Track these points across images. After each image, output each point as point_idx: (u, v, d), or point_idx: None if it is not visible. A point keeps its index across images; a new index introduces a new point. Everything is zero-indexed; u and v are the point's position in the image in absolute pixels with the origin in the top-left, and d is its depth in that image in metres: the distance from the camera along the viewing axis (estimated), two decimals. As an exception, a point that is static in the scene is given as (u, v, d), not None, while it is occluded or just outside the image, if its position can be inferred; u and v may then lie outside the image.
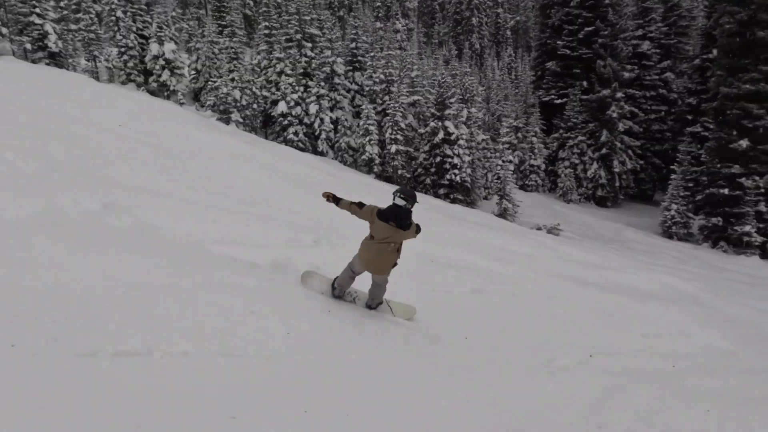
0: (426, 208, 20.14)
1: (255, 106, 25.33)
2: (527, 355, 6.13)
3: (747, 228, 28.88)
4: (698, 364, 7.90)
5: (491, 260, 11.92)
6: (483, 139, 27.50)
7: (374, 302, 5.69)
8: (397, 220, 4.93)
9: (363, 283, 6.12)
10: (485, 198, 30.50)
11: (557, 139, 40.26)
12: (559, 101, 41.16)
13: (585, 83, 39.65)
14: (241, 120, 24.63)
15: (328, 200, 5.22)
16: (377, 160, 25.15)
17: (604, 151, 38.52)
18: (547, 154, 40.64)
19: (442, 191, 26.34)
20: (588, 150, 39.32)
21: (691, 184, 32.62)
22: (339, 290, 5.66)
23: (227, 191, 11.19)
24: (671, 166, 33.92)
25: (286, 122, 25.44)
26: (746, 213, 29.10)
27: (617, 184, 38.95)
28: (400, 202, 4.97)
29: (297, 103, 25.77)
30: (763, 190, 29.16)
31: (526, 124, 39.72)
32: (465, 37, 71.12)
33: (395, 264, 5.33)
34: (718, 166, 30.57)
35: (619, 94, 37.96)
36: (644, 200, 43.15)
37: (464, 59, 54.78)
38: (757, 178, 29.21)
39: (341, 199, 5.19)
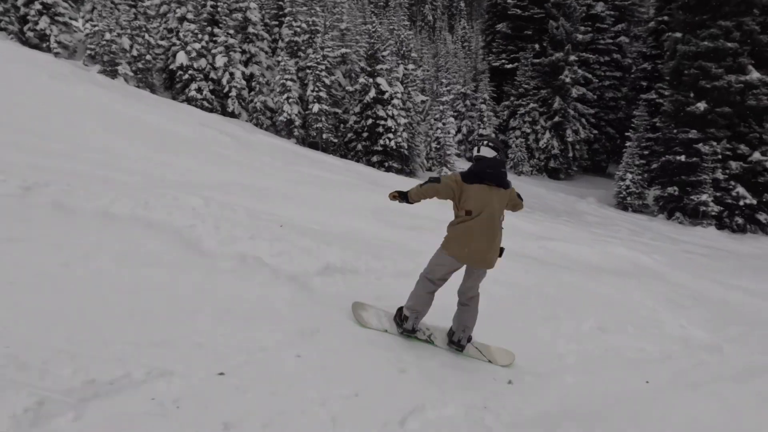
0: (342, 172, 16.90)
1: (149, 57, 21.14)
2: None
3: (704, 197, 26.99)
4: (681, 373, 5.03)
5: (404, 230, 8.88)
6: (422, 101, 24.33)
7: (465, 334, 3.88)
8: (495, 177, 3.42)
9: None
10: (429, 170, 27.39)
11: (508, 107, 37.57)
12: (510, 66, 38.42)
13: (537, 46, 37.00)
14: (131, 73, 20.46)
15: (394, 200, 3.76)
16: (297, 122, 21.57)
17: (556, 119, 36.10)
18: (497, 123, 37.98)
19: (375, 158, 23.05)
20: (540, 119, 36.84)
21: (646, 152, 30.54)
22: (414, 319, 3.85)
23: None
24: (626, 133, 31.80)
25: (187, 76, 21.40)
26: (703, 181, 27.19)
27: (570, 154, 36.71)
28: (488, 152, 3.50)
29: (201, 55, 21.74)
30: (720, 156, 27.27)
31: (475, 90, 36.83)
32: (417, 9, 67.52)
33: (500, 252, 3.65)
34: (675, 131, 28.50)
35: (573, 58, 35.46)
36: (598, 172, 41.23)
37: (416, 30, 51.43)
38: (714, 143, 27.27)
39: (408, 191, 3.72)
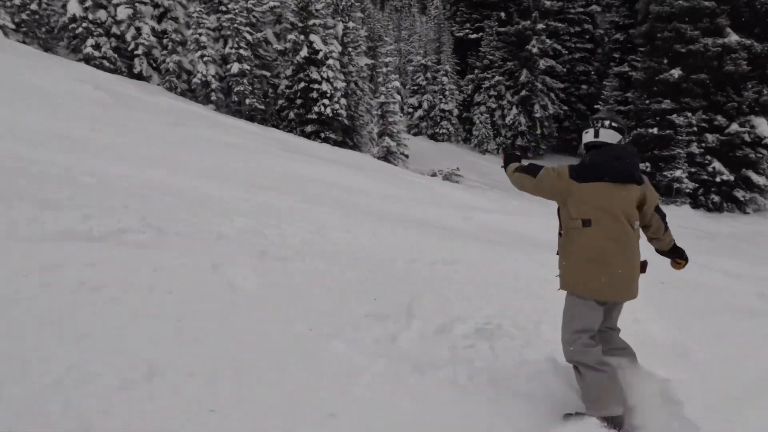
0: (263, 140, 14.11)
1: (34, 6, 17.84)
2: None
3: (677, 173, 24.73)
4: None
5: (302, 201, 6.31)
6: (367, 64, 21.44)
7: None
8: (624, 171, 2.36)
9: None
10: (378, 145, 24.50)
11: (472, 80, 34.87)
12: (474, 36, 35.69)
13: (503, 14, 34.33)
14: (12, 25, 17.17)
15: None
16: (214, 85, 18.54)
17: (523, 93, 33.53)
18: (462, 99, 35.29)
19: (309, 128, 20.15)
20: (507, 93, 34.24)
21: (617, 126, 28.15)
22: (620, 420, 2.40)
23: None
24: (595, 106, 29.40)
25: (81, 30, 18.14)
26: (677, 156, 24.92)
27: (538, 132, 34.23)
28: (611, 135, 2.44)
29: (99, 5, 18.49)
30: (695, 129, 25.02)
31: (437, 62, 34.02)
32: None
33: (643, 268, 2.53)
34: (647, 102, 26.16)
35: (540, 26, 32.86)
36: (569, 152, 38.80)
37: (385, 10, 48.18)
38: (689, 114, 25.00)
39: (509, 163, 2.76)
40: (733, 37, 23.83)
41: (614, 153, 2.40)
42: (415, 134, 34.23)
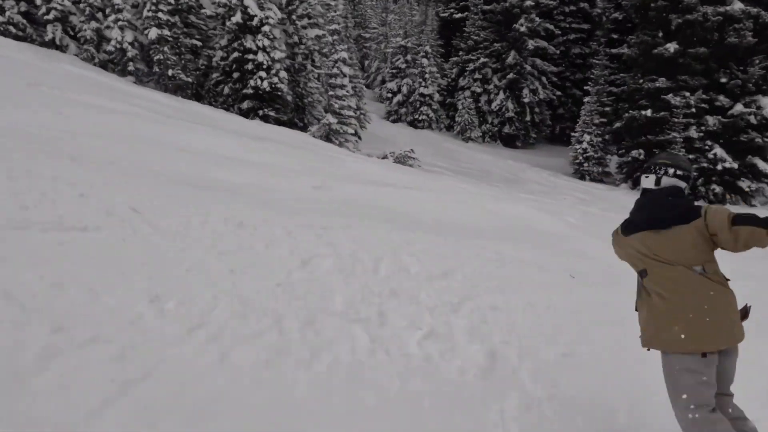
0: (160, 109, 11.98)
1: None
2: None
3: (673, 160, 21.92)
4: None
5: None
6: (318, 36, 19.12)
7: None
8: (643, 221, 2.27)
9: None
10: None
11: (457, 63, 32.32)
12: (459, 15, 33.12)
13: (489, -9, 31.68)
14: None
15: None
16: (131, 53, 16.44)
17: (511, 76, 30.89)
18: (446, 84, 32.78)
19: (246, 105, 17.94)
20: (493, 77, 31.64)
21: (607, 109, 25.45)
22: None
23: None
24: (585, 87, 26.71)
25: (-23, -9, 16.18)
26: (672, 140, 22.13)
27: (528, 118, 31.53)
28: (646, 181, 2.33)
29: (3, -37, 16.52)
30: (694, 110, 22.20)
31: (418, 44, 31.58)
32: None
33: (744, 314, 2.24)
34: (641, 81, 23.40)
35: (529, 3, 30.17)
36: (564, 142, 36.07)
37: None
38: (687, 94, 22.21)
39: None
40: (737, 5, 20.96)
41: (639, 203, 2.33)
42: (393, 121, 31.89)
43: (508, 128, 31.64)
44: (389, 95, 32.08)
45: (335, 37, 18.54)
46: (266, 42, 17.25)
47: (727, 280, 2.21)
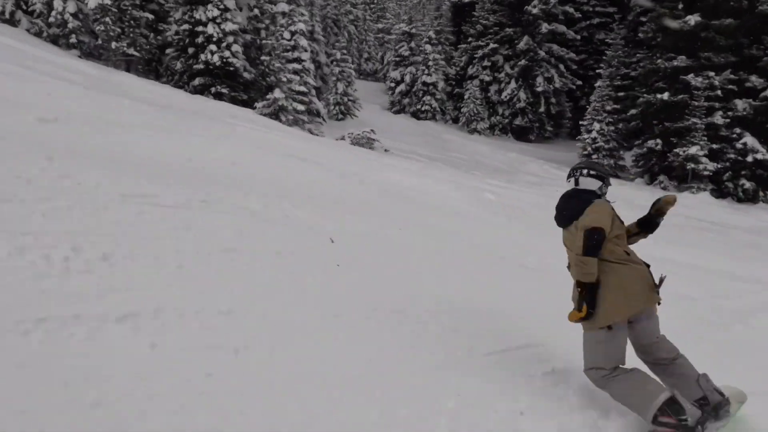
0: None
1: None
2: None
3: (693, 150, 18.94)
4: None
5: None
6: (286, 12, 17.57)
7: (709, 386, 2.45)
8: (557, 219, 2.72)
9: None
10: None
11: (466, 51, 30.11)
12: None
13: (501, -28, 29.34)
14: None
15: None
16: (72, 24, 15.56)
17: (523, 62, 28.37)
18: (454, 73, 30.65)
19: (198, 81, 16.72)
20: (505, 65, 29.23)
21: (621, 94, 22.56)
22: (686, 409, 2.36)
23: None
24: (597, 70, 23.88)
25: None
26: (692, 127, 19.12)
27: (542, 108, 28.85)
28: (567, 185, 2.75)
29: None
30: (719, 92, 19.13)
31: (423, 28, 29.67)
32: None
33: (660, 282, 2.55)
34: (658, 61, 20.50)
35: (543, -18, 27.63)
36: (587, 137, 32.95)
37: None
38: (711, 74, 19.16)
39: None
40: (772, -33, 17.85)
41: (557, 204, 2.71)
42: (396, 112, 30.06)
43: (520, 120, 29.08)
44: (392, 85, 30.30)
45: (292, 6, 17.02)
46: (215, 12, 15.97)
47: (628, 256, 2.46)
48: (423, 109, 28.95)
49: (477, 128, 28.36)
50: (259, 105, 15.41)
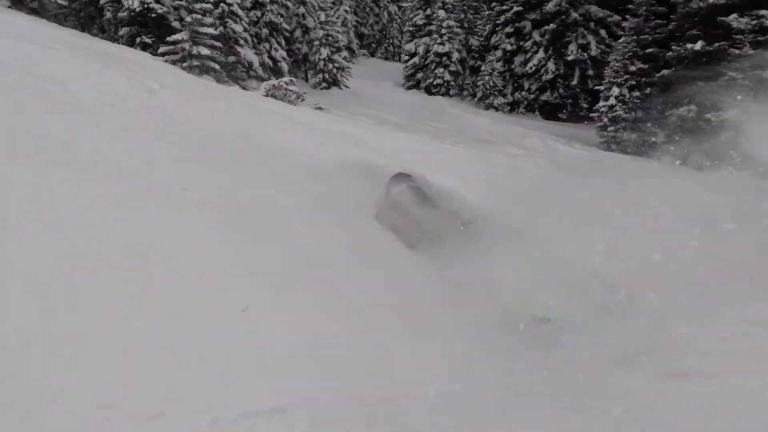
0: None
1: None
2: None
3: (730, 114, 14.23)
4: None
5: None
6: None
7: None
8: None
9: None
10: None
11: (490, 18, 26.52)
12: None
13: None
14: None
15: None
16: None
17: (551, 26, 24.27)
18: (477, 44, 27.18)
19: (123, 31, 15.47)
20: (534, 32, 25.27)
21: (649, 50, 17.97)
22: None
23: None
24: (623, 23, 19.35)
25: None
26: (733, 82, 14.43)
27: (575, 81, 24.49)
28: None
29: None
30: (771, 36, 14.26)
31: (443, -4, 26.61)
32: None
33: None
34: (692, 1, 15.92)
35: (576, -70, 23.40)
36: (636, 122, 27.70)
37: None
38: (757, 12, 14.34)
39: None
40: None
41: None
42: (409, 88, 27.30)
43: (549, 95, 24.93)
44: (406, 58, 27.57)
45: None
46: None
47: None
48: (435, 83, 25.90)
49: (494, 104, 24.73)
50: (162, 50, 13.75)
